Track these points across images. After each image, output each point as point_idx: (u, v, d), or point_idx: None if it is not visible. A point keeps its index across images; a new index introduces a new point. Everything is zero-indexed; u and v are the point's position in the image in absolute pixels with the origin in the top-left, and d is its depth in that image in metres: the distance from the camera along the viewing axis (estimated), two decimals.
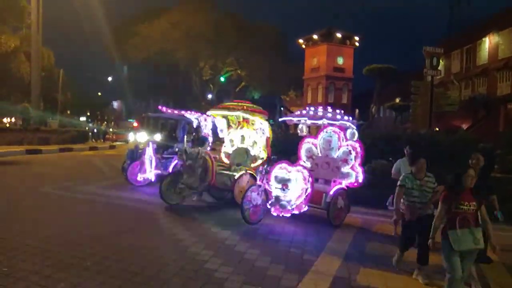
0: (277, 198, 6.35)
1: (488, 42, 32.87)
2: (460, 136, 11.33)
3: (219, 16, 38.59)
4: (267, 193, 6.41)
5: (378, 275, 4.42)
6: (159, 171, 9.09)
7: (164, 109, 9.90)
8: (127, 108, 62.43)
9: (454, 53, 36.34)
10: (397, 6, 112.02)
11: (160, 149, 9.72)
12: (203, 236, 5.51)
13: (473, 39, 34.36)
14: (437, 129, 18.18)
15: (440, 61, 15.81)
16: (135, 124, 15.77)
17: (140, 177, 9.12)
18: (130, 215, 6.67)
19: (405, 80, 26.44)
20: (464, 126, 28.92)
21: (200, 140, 8.74)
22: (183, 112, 9.69)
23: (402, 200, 4.65)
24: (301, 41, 50.91)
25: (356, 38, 49.71)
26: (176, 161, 8.67)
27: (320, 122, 7.05)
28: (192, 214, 6.92)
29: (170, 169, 8.66)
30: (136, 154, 9.62)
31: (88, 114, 60.69)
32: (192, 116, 9.51)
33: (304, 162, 7.24)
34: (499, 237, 6.24)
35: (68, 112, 46.46)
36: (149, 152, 9.07)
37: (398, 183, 4.70)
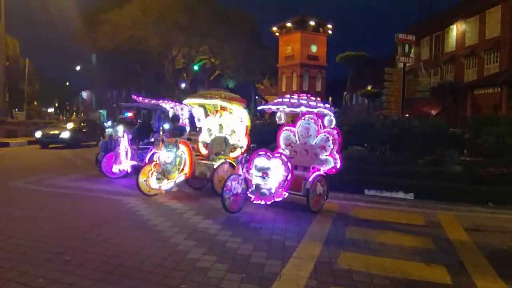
0: (258, 186, 6.36)
1: (455, 30, 33.83)
2: (431, 122, 11.68)
3: (192, 2, 37.76)
4: (247, 181, 6.40)
5: (358, 258, 4.53)
6: (135, 162, 8.91)
7: (138, 98, 9.67)
8: (97, 98, 60.67)
9: (424, 40, 37.22)
10: None
11: (135, 139, 9.51)
12: (184, 227, 5.47)
13: (441, 26, 35.27)
14: (407, 115, 18.66)
15: (411, 48, 16.14)
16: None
17: (115, 169, 8.91)
18: (107, 208, 6.52)
19: (378, 67, 26.93)
20: (434, 112, 29.84)
21: (177, 130, 8.61)
22: (158, 101, 9.50)
23: None
24: (275, 29, 50.77)
25: (329, 26, 50.01)
26: (152, 151, 8.52)
27: (298, 109, 7.07)
28: (172, 205, 6.84)
29: (147, 160, 8.50)
30: (110, 146, 9.38)
31: (57, 105, 58.61)
32: (167, 105, 9.34)
33: (283, 149, 7.28)
34: (473, 218, 6.55)
35: (36, 103, 44.67)
36: (124, 143, 8.86)
37: None
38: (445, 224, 6.14)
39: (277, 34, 50.74)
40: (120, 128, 8.88)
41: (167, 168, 6.97)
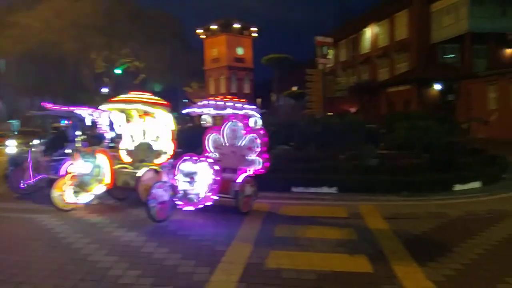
0: (185, 192, 6.19)
1: (369, 32, 36.45)
2: (350, 119, 12.40)
3: (110, 3, 35.87)
4: (174, 188, 6.19)
5: (287, 256, 4.59)
6: (48, 175, 8.14)
7: (49, 105, 8.86)
8: (8, 107, 54.89)
9: (342, 42, 39.57)
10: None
11: (48, 150, 8.71)
12: (105, 241, 5.10)
13: (357, 29, 37.78)
14: (331, 113, 19.68)
15: (330, 50, 17.02)
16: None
17: (24, 184, 8.07)
18: (16, 228, 5.86)
19: (302, 68, 28.00)
20: (353, 110, 31.78)
21: (96, 138, 8.05)
22: (72, 108, 8.80)
23: None
24: (199, 31, 50.31)
25: (254, 28, 50.86)
26: (67, 163, 7.86)
27: (224, 112, 7.02)
28: (91, 219, 6.36)
29: (62, 172, 7.82)
30: (20, 159, 8.48)
31: None
32: (84, 112, 8.69)
33: (211, 153, 7.18)
34: (390, 207, 7.01)
35: None
36: (35, 155, 8.06)
37: None
38: (366, 215, 6.51)
39: (202, 36, 50.41)
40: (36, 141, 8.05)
41: (84, 179, 6.47)
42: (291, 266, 4.27)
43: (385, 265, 4.29)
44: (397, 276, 3.98)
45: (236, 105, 6.95)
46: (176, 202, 6.19)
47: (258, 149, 6.90)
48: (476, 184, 8.49)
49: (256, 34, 50.70)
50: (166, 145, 7.20)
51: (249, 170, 6.85)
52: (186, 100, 46.69)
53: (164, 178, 6.31)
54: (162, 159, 7.00)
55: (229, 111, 7.00)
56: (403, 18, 31.78)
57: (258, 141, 6.89)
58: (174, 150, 7.09)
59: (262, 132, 7.01)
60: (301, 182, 8.41)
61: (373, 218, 6.33)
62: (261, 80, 50.54)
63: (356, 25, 37.76)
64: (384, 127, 13.09)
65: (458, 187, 8.27)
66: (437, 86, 26.63)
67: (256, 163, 6.90)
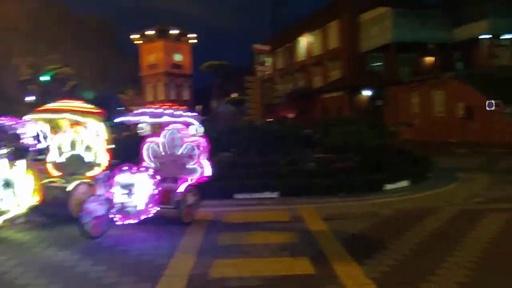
0: (123, 205, 5.91)
1: (304, 41, 37.88)
2: (288, 125, 12.75)
3: (36, 6, 33.44)
4: (110, 201, 5.87)
5: (231, 264, 4.56)
6: None
7: None
8: None
9: (279, 50, 40.67)
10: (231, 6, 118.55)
11: None
12: (34, 262, 4.68)
13: (293, 38, 39.09)
14: (270, 119, 20.10)
15: (268, 58, 17.41)
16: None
17: None
18: None
19: (242, 75, 28.26)
20: (291, 116, 32.72)
21: (20, 152, 7.39)
22: None
23: None
24: (134, 36, 48.76)
25: (193, 35, 50.44)
26: None
27: (162, 119, 6.83)
28: (17, 239, 5.82)
29: None
30: None
31: None
32: (4, 122, 7.95)
33: (149, 162, 6.93)
34: (329, 208, 7.28)
35: None
36: None
37: None
38: (306, 217, 6.69)
39: (138, 42, 48.89)
40: None
41: (4, 196, 5.91)
42: (235, 274, 4.24)
43: (326, 266, 4.43)
44: (338, 276, 4.13)
45: (175, 112, 6.80)
46: (113, 216, 5.88)
47: (198, 157, 6.80)
48: (404, 183, 9.13)
49: (194, 41, 50.29)
50: (99, 156, 6.83)
51: (190, 179, 6.73)
52: (122, 108, 44.80)
53: (99, 191, 5.97)
54: (96, 171, 6.62)
55: (166, 119, 6.83)
56: (334, 28, 33.49)
57: (198, 148, 6.80)
58: (109, 161, 6.75)
59: (203, 139, 6.93)
60: (243, 188, 8.44)
61: (313, 220, 6.53)
62: (201, 86, 50.17)
63: (291, 34, 39.08)
64: (320, 132, 13.63)
65: (388, 186, 8.83)
66: (367, 93, 28.38)
67: (196, 171, 6.78)
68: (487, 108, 19.83)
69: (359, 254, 4.76)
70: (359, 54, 31.31)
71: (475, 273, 4.09)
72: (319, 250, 4.98)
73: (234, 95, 38.94)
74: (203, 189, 7.08)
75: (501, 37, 27.76)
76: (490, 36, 27.45)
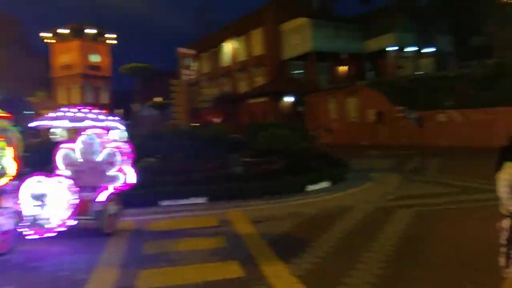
0: (35, 218, 5.39)
1: (229, 47, 38.23)
2: (215, 129, 12.75)
3: None
4: (19, 214, 5.31)
5: (158, 273, 4.41)
6: None
7: None
8: None
9: (205, 55, 40.51)
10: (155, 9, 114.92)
11: None
12: None
13: (218, 43, 39.21)
14: (197, 124, 19.89)
15: (193, 62, 17.24)
16: None
17: None
18: None
19: (166, 78, 27.57)
20: (217, 120, 32.76)
21: None
22: None
23: None
24: (45, 35, 44.91)
25: (112, 35, 47.89)
26: None
27: (83, 124, 6.33)
28: None
29: None
30: None
31: None
32: None
33: (64, 170, 6.41)
34: (256, 211, 7.40)
35: None
36: None
37: None
38: (235, 221, 6.74)
39: (50, 41, 45.09)
40: None
41: None
42: (164, 283, 4.12)
43: (254, 267, 4.50)
44: (266, 276, 4.22)
45: (98, 116, 6.39)
46: (23, 230, 5.33)
47: (120, 164, 6.46)
48: (325, 184, 9.66)
49: (114, 41, 47.76)
50: (6, 165, 6.16)
51: (111, 187, 6.36)
52: (31, 112, 40.86)
53: (6, 203, 5.37)
54: (2, 181, 5.95)
55: (88, 123, 6.38)
56: (258, 35, 34.35)
57: (120, 154, 6.46)
58: (17, 170, 6.11)
59: (126, 144, 6.61)
60: (169, 195, 8.22)
61: (241, 223, 6.60)
62: (122, 90, 47.80)
63: (216, 39, 39.20)
64: (247, 136, 13.85)
65: (311, 187, 9.27)
66: (289, 99, 29.54)
67: (118, 179, 6.43)
68: (396, 114, 21.90)
69: (286, 253, 4.92)
70: (281, 62, 32.49)
71: (390, 265, 4.48)
72: (247, 253, 5.05)
73: (157, 99, 37.81)
74: (125, 197, 6.75)
75: (405, 50, 30.91)
76: (396, 48, 30.41)
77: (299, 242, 5.53)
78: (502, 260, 2.90)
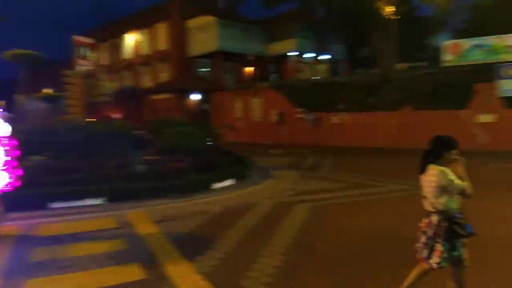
0: None
1: (131, 39, 36.31)
2: (116, 125, 12.03)
3: None
4: None
5: (48, 282, 4.03)
6: None
7: None
8: None
9: (104, 45, 37.78)
10: None
11: None
12: None
13: (119, 33, 36.93)
14: (94, 119, 18.50)
15: (91, 51, 15.98)
16: None
17: None
18: None
19: (59, 69, 25.02)
20: (118, 116, 30.94)
21: None
22: None
23: None
24: None
25: None
26: None
27: None
28: None
29: None
30: None
31: None
32: None
33: None
34: (160, 211, 7.19)
35: None
36: None
37: None
38: (136, 222, 6.46)
39: None
40: None
41: None
42: None
43: (157, 269, 4.39)
44: (170, 276, 4.15)
45: None
46: None
47: (4, 162, 5.72)
48: (230, 182, 9.83)
49: None
50: None
51: None
52: None
53: None
54: None
55: None
56: (162, 29, 33.27)
57: (3, 151, 5.71)
58: None
59: (9, 140, 5.85)
60: (62, 196, 7.51)
61: (144, 224, 6.36)
62: (6, 79, 41.99)
63: (117, 29, 36.88)
64: (150, 133, 13.36)
65: (216, 185, 9.34)
66: (195, 96, 29.29)
67: (1, 179, 5.68)
68: (296, 115, 23.26)
69: (190, 252, 4.90)
70: (187, 58, 32.00)
71: (289, 257, 4.77)
72: (150, 254, 4.90)
73: (47, 90, 34.15)
74: (9, 199, 5.98)
75: (304, 55, 32.99)
76: (297, 53, 32.28)
77: (203, 240, 5.55)
78: (425, 252, 3.17)
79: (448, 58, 19.27)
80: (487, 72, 16.74)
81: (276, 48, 32.87)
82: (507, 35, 17.90)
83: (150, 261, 4.61)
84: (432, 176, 3.12)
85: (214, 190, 9.11)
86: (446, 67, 19.11)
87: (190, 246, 5.27)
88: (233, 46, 30.80)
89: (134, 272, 4.30)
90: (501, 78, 16.38)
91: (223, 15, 31.03)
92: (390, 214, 6.91)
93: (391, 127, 19.37)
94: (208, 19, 30.58)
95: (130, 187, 8.12)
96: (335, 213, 7.14)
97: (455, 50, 19.18)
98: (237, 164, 11.28)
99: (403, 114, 19.01)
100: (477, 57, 18.33)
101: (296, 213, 6.98)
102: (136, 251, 5.03)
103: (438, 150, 3.16)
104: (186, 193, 8.47)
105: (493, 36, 18.32)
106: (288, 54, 32.29)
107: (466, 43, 19.04)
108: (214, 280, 4.08)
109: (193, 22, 31.82)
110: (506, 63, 16.65)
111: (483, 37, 18.63)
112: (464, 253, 3.14)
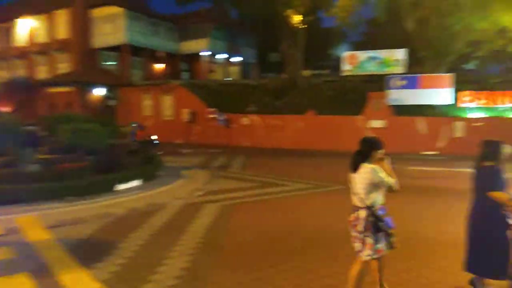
0: None
1: (25, 24, 32.58)
2: (3, 119, 10.68)
3: None
4: None
5: None
6: None
7: None
8: None
9: None
10: None
11: None
12: None
13: (9, 17, 32.86)
14: None
15: None
16: None
17: None
18: None
19: None
20: (6, 109, 27.45)
21: None
22: None
23: None
24: None
25: None
26: None
27: None
28: None
29: None
30: None
31: None
32: None
33: None
34: (53, 215, 6.57)
35: None
36: None
37: None
38: (26, 228, 5.83)
39: None
40: None
41: None
42: None
43: (50, 278, 4.03)
44: (63, 286, 3.83)
45: None
46: None
47: None
48: (136, 182, 9.41)
49: None
50: None
51: None
52: None
53: None
54: None
55: None
56: (63, 17, 30.49)
57: None
58: None
59: None
60: None
61: (35, 230, 5.76)
62: None
63: (8, 13, 32.76)
64: (46, 130, 12.13)
65: (121, 186, 8.86)
66: (99, 91, 27.39)
67: None
68: (208, 115, 23.20)
69: (88, 259, 4.59)
70: (91, 50, 29.75)
71: (196, 257, 4.75)
72: (41, 263, 4.47)
73: None
74: None
75: (216, 56, 33.07)
76: (209, 53, 32.21)
77: (104, 245, 5.23)
78: (358, 245, 3.39)
79: (347, 67, 21.10)
80: (378, 82, 18.73)
81: (188, 46, 32.44)
82: (395, 50, 20.31)
83: (41, 270, 4.21)
84: (365, 174, 3.38)
85: (118, 191, 8.63)
86: (345, 76, 20.92)
87: (88, 252, 4.93)
88: (142, 41, 29.59)
89: (23, 283, 3.88)
90: (390, 88, 18.47)
91: (132, 7, 29.55)
92: (293, 210, 7.29)
93: (297, 130, 20.48)
94: (115, 9, 28.86)
95: (19, 189, 7.28)
96: (243, 212, 7.30)
97: (352, 61, 21.08)
98: (145, 164, 10.84)
99: (307, 118, 20.23)
100: (371, 68, 20.44)
101: (205, 213, 6.97)
102: (25, 260, 4.54)
103: (367, 150, 3.44)
104: (86, 195, 7.89)
105: (384, 50, 20.60)
106: (200, 53, 32.10)
107: (362, 55, 21.07)
108: (114, 287, 3.87)
109: (99, 12, 29.73)
110: (394, 75, 18.85)
111: (376, 50, 20.81)
112: (391, 242, 3.40)
